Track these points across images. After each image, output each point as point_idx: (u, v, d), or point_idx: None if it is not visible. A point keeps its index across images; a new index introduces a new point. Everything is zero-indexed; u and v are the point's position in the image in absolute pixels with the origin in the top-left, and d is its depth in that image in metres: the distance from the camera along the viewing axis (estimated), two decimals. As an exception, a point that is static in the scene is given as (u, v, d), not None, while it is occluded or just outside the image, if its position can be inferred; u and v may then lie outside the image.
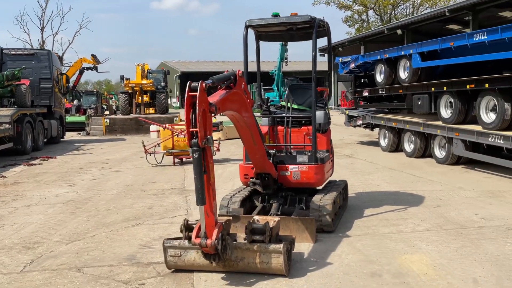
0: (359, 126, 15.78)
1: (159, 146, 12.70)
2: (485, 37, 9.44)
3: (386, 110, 15.28)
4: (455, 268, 4.58)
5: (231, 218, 4.99)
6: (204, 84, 4.05)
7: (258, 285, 4.34)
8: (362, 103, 16.35)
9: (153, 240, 5.86)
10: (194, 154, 4.05)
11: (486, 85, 9.43)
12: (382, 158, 12.65)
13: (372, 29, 45.99)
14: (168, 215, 7.09)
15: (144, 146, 12.43)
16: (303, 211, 6.06)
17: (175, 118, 23.83)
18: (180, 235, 5.34)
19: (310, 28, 6.61)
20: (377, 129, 15.54)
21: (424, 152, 12.21)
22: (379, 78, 13.95)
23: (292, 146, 6.51)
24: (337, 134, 19.83)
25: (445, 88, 10.80)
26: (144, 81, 25.40)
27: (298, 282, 4.37)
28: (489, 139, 9.40)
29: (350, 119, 16.17)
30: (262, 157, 5.74)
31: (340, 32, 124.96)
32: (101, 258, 5.24)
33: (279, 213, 5.98)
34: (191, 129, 4.06)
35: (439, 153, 11.43)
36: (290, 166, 6.18)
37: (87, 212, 7.43)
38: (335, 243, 5.47)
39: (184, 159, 12.91)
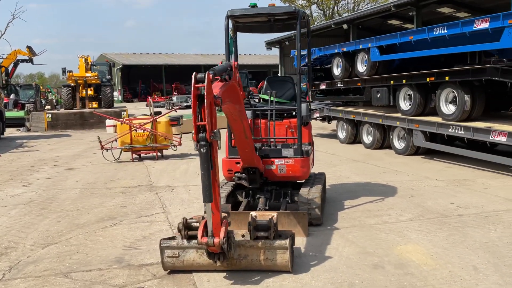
0: (315, 119, 15.92)
1: (116, 141, 12.19)
2: (445, 31, 9.77)
3: (341, 103, 15.52)
4: (451, 257, 4.69)
5: (226, 214, 4.82)
6: (211, 75, 3.86)
7: (264, 283, 4.23)
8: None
9: (137, 241, 5.58)
10: (202, 149, 3.85)
11: (447, 78, 9.77)
12: (342, 150, 12.84)
13: (317, 23, 46.68)
14: (144, 214, 6.79)
15: (100, 141, 11.90)
16: (292, 205, 5.99)
17: (122, 113, 23.04)
18: (170, 234, 5.14)
19: (290, 20, 6.54)
20: (333, 122, 15.80)
21: (383, 143, 12.52)
22: (336, 71, 14.15)
23: (276, 140, 6.41)
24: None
25: (404, 81, 11.10)
26: (89, 74, 24.35)
27: (305, 278, 4.29)
28: (450, 130, 9.77)
29: (307, 112, 16.27)
30: (251, 151, 5.60)
31: None
32: (87, 261, 4.92)
33: (267, 207, 5.88)
34: (198, 123, 3.85)
35: (398, 144, 11.76)
36: (276, 160, 6.08)
37: (54, 213, 6.98)
38: (328, 236, 5.45)
39: (143, 155, 12.49)
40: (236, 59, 7.10)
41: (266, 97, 7.01)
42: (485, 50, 9.45)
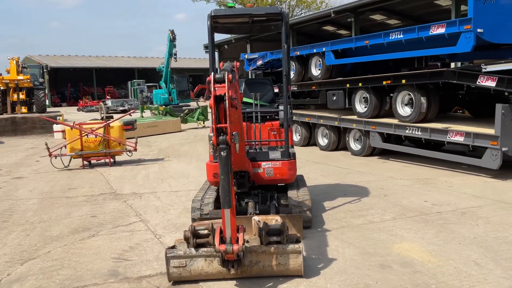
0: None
1: (65, 148, 11.51)
2: (402, 36, 10.16)
3: (292, 106, 15.67)
4: (450, 253, 4.83)
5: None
6: (230, 76, 3.72)
7: (279, 288, 4.12)
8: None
9: (124, 252, 5.26)
10: (222, 153, 3.70)
11: (403, 81, 10.15)
12: (299, 152, 12.84)
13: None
14: (121, 223, 6.43)
15: (48, 148, 11.18)
16: (285, 208, 5.90)
17: (58, 117, 21.85)
18: (157, 243, 4.93)
19: (270, 21, 6.49)
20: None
21: (338, 145, 12.78)
22: (290, 74, 14.25)
23: (261, 142, 6.33)
24: (240, 130, 19.91)
25: (360, 84, 11.40)
26: (21, 77, 22.87)
27: (318, 281, 4.24)
28: (407, 131, 10.16)
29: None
30: (244, 154, 5.47)
31: None
32: (78, 276, 4.56)
33: (257, 211, 5.76)
34: (218, 125, 3.68)
35: (354, 145, 12.05)
36: (263, 163, 5.99)
37: (19, 226, 6.44)
38: (322, 238, 5.44)
39: (94, 161, 11.89)
40: (213, 61, 6.96)
41: (247, 100, 6.91)
42: (440, 54, 9.90)
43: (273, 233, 4.26)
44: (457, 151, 10.05)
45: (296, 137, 14.39)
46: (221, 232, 3.96)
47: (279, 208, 5.93)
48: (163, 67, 30.75)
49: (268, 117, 6.55)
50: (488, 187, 7.88)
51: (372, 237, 5.43)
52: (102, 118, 12.20)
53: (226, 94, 3.66)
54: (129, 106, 36.57)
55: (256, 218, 4.75)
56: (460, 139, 8.99)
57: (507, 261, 4.56)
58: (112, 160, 11.81)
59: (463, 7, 20.07)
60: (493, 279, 4.16)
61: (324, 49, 12.54)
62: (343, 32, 34.17)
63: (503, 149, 8.22)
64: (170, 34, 28.29)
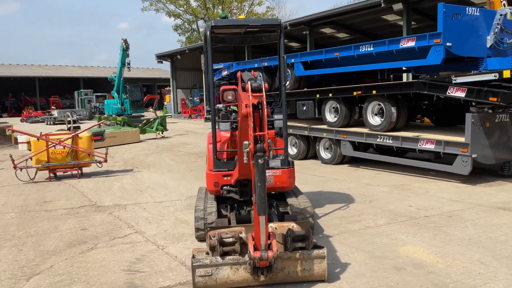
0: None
1: (30, 159, 11.04)
2: (372, 48, 10.59)
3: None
4: (453, 254, 5.11)
5: (243, 228, 4.70)
6: (266, 85, 3.79)
7: (307, 293, 4.20)
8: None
9: (133, 264, 5.16)
10: (260, 160, 3.76)
11: (374, 92, 10.57)
12: (269, 161, 13.09)
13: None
14: (117, 236, 6.27)
15: (12, 160, 10.68)
16: (289, 216, 5.97)
17: (6, 129, 20.82)
18: (163, 254, 4.89)
19: (266, 32, 6.62)
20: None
21: (307, 154, 13.05)
22: (256, 85, 14.43)
23: None
24: (203, 141, 19.85)
25: (331, 95, 11.74)
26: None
27: (342, 285, 4.36)
28: (378, 140, 10.57)
29: (224, 125, 16.28)
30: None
31: (173, 39, 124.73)
32: (95, 291, 4.43)
33: (261, 219, 5.81)
34: (256, 133, 3.74)
35: (324, 154, 12.36)
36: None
37: (7, 241, 6.14)
38: (327, 244, 5.57)
39: (61, 173, 11.46)
40: (207, 71, 7.00)
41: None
42: (411, 66, 10.40)
43: (298, 239, 4.34)
44: (422, 158, 10.58)
45: (264, 147, 14.51)
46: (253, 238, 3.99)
47: (283, 216, 6.02)
48: (115, 76, 30.10)
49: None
50: (462, 192, 8.34)
51: (375, 242, 5.63)
52: (69, 129, 11.80)
53: (263, 103, 3.73)
54: (77, 116, 35.36)
55: (272, 225, 4.83)
56: (431, 146, 9.47)
57: (508, 259, 4.89)
58: (79, 172, 11.44)
59: (413, 23, 21.13)
60: (502, 276, 4.45)
61: (293, 60, 12.82)
62: (294, 44, 34.91)
63: (473, 155, 8.74)
64: (123, 43, 27.79)
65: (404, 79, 16.18)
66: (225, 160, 6.18)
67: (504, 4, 12.58)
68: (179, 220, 6.99)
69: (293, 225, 4.74)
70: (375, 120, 10.84)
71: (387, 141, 10.38)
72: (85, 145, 11.37)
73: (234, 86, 5.12)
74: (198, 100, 36.61)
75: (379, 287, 4.30)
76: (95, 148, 11.97)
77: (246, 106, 3.92)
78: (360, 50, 10.89)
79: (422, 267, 4.74)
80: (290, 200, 6.10)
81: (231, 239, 4.26)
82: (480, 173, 9.66)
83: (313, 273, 4.34)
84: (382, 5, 19.55)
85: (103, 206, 8.13)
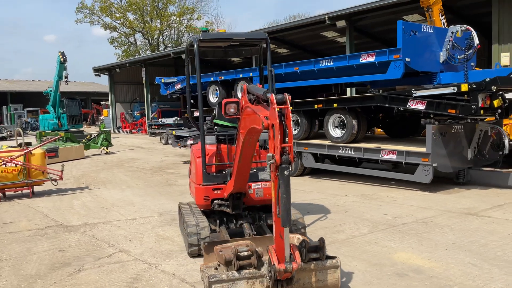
0: (189, 146, 15.81)
1: (-23, 178, 10.29)
2: (332, 63, 10.95)
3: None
4: (445, 258, 5.36)
5: (250, 242, 4.67)
6: (290, 97, 3.83)
7: (324, 303, 4.23)
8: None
9: (131, 284, 4.96)
10: (285, 172, 3.76)
11: (335, 105, 10.90)
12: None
13: (143, 52, 46.16)
14: (101, 256, 5.99)
15: (-42, 180, 9.91)
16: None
17: None
18: (159, 271, 4.78)
19: (250, 46, 6.69)
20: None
21: (266, 167, 13.12)
22: (212, 99, 14.42)
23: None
24: (152, 156, 19.47)
25: (291, 108, 11.92)
26: None
27: (354, 293, 4.44)
28: (340, 151, 10.89)
29: (178, 139, 16.07)
30: (247, 176, 5.52)
31: (106, 52, 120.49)
32: (103, 314, 4.19)
33: (254, 232, 5.80)
34: (283, 145, 3.75)
35: (285, 167, 12.48)
36: (253, 184, 6.05)
37: (-21, 267, 5.66)
38: (323, 254, 5.63)
39: (12, 192, 10.76)
40: (188, 84, 6.95)
41: (221, 122, 6.94)
42: (372, 80, 10.84)
43: (312, 250, 4.37)
44: (380, 169, 11.01)
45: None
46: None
47: (272, 228, 6.01)
48: (51, 90, 28.77)
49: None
50: (427, 200, 8.76)
51: (367, 250, 5.77)
52: (20, 145, 11.13)
53: (289, 114, 3.75)
54: (8, 132, 33.43)
55: (278, 237, 4.81)
56: (392, 157, 9.88)
57: (496, 261, 5.20)
58: (32, 190, 10.80)
59: (356, 41, 22.06)
60: (498, 277, 4.73)
61: (251, 74, 12.94)
62: (237, 59, 35.25)
63: (434, 164, 9.22)
64: (60, 56, 26.71)
65: (348, 94, 16.86)
66: (214, 173, 6.10)
67: (443, 22, 13.47)
68: (161, 237, 6.79)
69: (298, 237, 4.76)
70: (336, 132, 11.15)
71: (349, 152, 10.70)
72: (38, 162, 10.76)
73: (236, 99, 5.10)
74: (138, 114, 35.81)
75: (390, 293, 4.42)
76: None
77: (266, 118, 3.92)
78: (320, 64, 11.22)
79: (422, 272, 4.93)
80: (280, 212, 6.11)
81: (246, 253, 4.22)
82: (438, 181, 10.18)
83: (326, 283, 4.38)
84: (327, 22, 20.22)
85: (71, 225, 7.73)
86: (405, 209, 8.02)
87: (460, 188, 9.72)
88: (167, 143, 25.42)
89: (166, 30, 45.45)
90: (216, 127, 6.88)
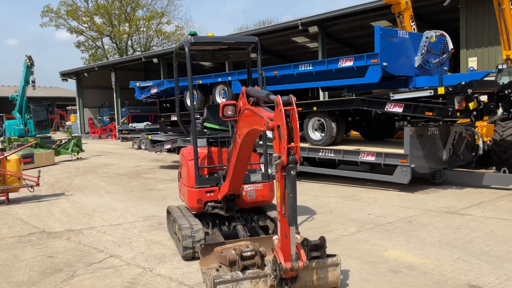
0: (166, 150, 15.72)
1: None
2: (311, 68, 11.15)
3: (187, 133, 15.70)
4: (435, 255, 5.54)
5: (249, 242, 4.72)
6: (295, 98, 3.92)
7: (326, 301, 4.32)
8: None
9: (128, 288, 4.91)
10: (292, 172, 3.83)
11: (315, 108, 11.08)
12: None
13: (111, 56, 45.45)
14: (92, 261, 5.90)
15: None
16: (276, 228, 6.03)
17: None
18: (155, 275, 4.79)
19: (238, 50, 6.77)
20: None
21: (245, 170, 13.19)
22: (190, 102, 14.36)
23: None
24: (125, 161, 19.24)
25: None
26: None
27: (354, 290, 4.55)
28: (320, 154, 11.07)
29: (154, 144, 15.95)
30: (243, 177, 5.58)
31: (71, 56, 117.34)
32: (106, 318, 4.16)
33: (248, 234, 5.86)
34: (289, 145, 3.83)
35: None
36: (245, 186, 6.11)
37: (-34, 276, 5.50)
38: (316, 254, 5.73)
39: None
40: (177, 88, 6.97)
41: (210, 125, 6.96)
42: (351, 84, 11.07)
43: (313, 248, 4.45)
44: (359, 170, 11.25)
45: (198, 165, 14.43)
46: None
47: (264, 229, 6.10)
48: (17, 95, 27.99)
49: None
50: (407, 200, 9.01)
51: (358, 249, 5.91)
52: (-6, 151, 10.81)
53: (295, 115, 3.84)
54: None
55: (275, 237, 4.88)
56: (371, 158, 10.12)
57: (483, 256, 5.42)
58: (7, 197, 10.51)
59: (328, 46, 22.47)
60: (488, 271, 4.93)
61: (230, 78, 13.00)
62: (204, 63, 35.25)
63: (412, 165, 9.49)
64: (27, 60, 26.05)
65: (321, 98, 17.15)
66: (206, 176, 6.12)
67: (414, 28, 13.90)
68: (151, 241, 6.75)
69: (297, 236, 4.84)
70: (316, 135, 11.33)
71: (329, 154, 10.89)
72: (13, 168, 10.49)
73: (234, 102, 5.15)
74: (108, 119, 35.24)
75: (389, 289, 4.55)
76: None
77: (271, 120, 3.99)
78: (300, 69, 11.40)
79: (415, 269, 5.09)
80: (273, 213, 6.19)
81: (250, 253, 4.26)
82: (414, 182, 10.46)
83: (327, 281, 4.48)
84: (300, 28, 20.51)
85: (55, 232, 7.58)
86: (387, 208, 8.23)
87: (436, 188, 10.03)
88: (139, 148, 25.18)
89: (135, 34, 44.99)
90: (205, 130, 6.90)
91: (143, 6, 44.79)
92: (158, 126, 30.20)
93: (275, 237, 4.86)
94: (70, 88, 48.15)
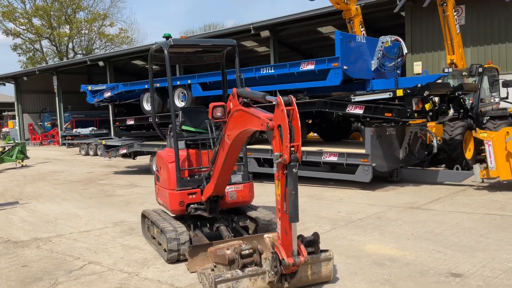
0: (121, 155, 15.38)
1: None
2: (273, 71, 11.35)
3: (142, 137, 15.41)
4: (411, 247, 5.84)
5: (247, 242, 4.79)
6: (295, 98, 4.04)
7: (322, 294, 4.47)
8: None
9: (119, 293, 4.83)
10: (294, 170, 3.95)
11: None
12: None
13: (50, 59, 43.71)
14: (72, 268, 5.73)
15: None
16: (261, 227, 6.11)
17: None
18: (142, 279, 4.81)
19: (213, 52, 6.83)
20: (138, 157, 15.71)
21: (205, 174, 13.18)
22: (147, 106, 14.18)
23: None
24: (75, 168, 18.64)
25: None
26: None
27: (345, 283, 4.74)
28: (283, 156, 11.24)
29: (109, 149, 15.55)
30: (228, 178, 5.63)
31: (12, 60, 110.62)
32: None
33: (232, 234, 5.91)
34: (292, 144, 3.94)
35: (225, 173, 12.63)
36: (227, 187, 6.16)
37: None
38: (299, 251, 5.88)
39: None
40: (152, 89, 6.93)
41: (188, 128, 6.95)
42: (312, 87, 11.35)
43: (308, 244, 4.58)
44: (321, 170, 11.56)
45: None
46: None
47: (245, 229, 6.18)
48: None
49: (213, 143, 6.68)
50: (370, 197, 9.38)
51: (338, 245, 6.12)
52: None
53: (296, 114, 3.96)
54: None
55: (266, 235, 4.98)
56: (334, 158, 10.44)
57: (456, 247, 5.78)
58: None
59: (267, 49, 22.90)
60: (464, 260, 5.28)
61: (189, 81, 12.96)
62: (155, 66, 34.72)
63: (373, 164, 9.89)
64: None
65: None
66: (187, 178, 6.12)
67: (363, 33, 14.48)
68: (128, 246, 6.64)
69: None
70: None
71: (292, 156, 11.09)
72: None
73: (222, 103, 5.20)
74: (49, 125, 33.86)
75: (378, 281, 4.76)
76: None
77: (270, 120, 4.10)
78: (261, 72, 11.56)
79: (397, 261, 5.35)
80: (254, 213, 6.29)
81: (248, 251, 4.33)
82: (373, 180, 10.86)
83: (321, 275, 4.63)
84: (252, 32, 20.75)
85: (21, 241, 7.27)
86: (354, 206, 8.53)
87: (395, 186, 10.50)
88: (87, 154, 24.43)
89: (76, 37, 43.51)
90: (183, 133, 6.88)
91: (85, 8, 43.51)
92: (105, 131, 29.54)
93: (266, 235, 4.97)
94: (7, 93, 45.75)
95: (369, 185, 10.41)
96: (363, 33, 14.36)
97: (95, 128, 29.31)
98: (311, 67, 10.74)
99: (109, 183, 13.53)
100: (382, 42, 11.04)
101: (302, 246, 4.22)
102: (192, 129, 6.86)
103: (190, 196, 5.97)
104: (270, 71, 11.42)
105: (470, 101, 12.31)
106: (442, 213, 7.66)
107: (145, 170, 16.06)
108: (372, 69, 11.14)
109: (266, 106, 5.20)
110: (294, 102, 4.04)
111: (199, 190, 5.99)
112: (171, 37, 6.48)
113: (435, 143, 10.65)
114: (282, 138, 3.98)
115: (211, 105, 5.12)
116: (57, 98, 31.70)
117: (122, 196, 11.06)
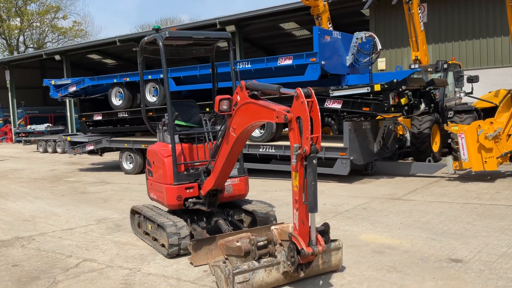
0: (87, 152, 14.94)
1: None
2: (250, 66, 11.37)
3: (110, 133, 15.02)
4: (405, 236, 6.04)
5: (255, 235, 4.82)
6: (313, 90, 4.09)
7: (339, 285, 4.56)
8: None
9: (126, 289, 4.74)
10: (314, 161, 4.01)
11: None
12: (135, 180, 12.71)
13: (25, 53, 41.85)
14: (68, 266, 5.56)
15: None
16: (260, 219, 6.12)
17: None
18: (145, 274, 4.79)
19: (205, 45, 6.79)
20: (105, 154, 15.33)
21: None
22: (116, 101, 13.85)
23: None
24: (36, 165, 18.00)
25: (208, 109, 12.05)
26: None
27: (353, 271, 4.86)
28: (261, 150, 11.34)
29: (74, 145, 15.07)
30: (230, 172, 5.62)
31: None
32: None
33: (231, 227, 5.90)
34: (312, 135, 4.00)
35: (200, 168, 12.57)
36: (223, 181, 6.14)
37: None
38: (298, 243, 5.95)
39: None
40: (142, 83, 6.83)
41: (179, 122, 6.86)
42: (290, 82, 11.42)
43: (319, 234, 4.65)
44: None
45: (127, 166, 14.01)
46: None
47: (252, 221, 6.21)
48: None
49: (208, 137, 6.64)
50: (350, 189, 9.60)
51: (334, 235, 6.10)
52: None
53: (316, 106, 4.01)
54: None
55: (273, 227, 5.03)
56: (313, 153, 10.56)
57: (447, 234, 6.02)
58: None
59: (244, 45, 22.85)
60: (459, 246, 5.51)
61: (161, 75, 12.73)
62: (108, 61, 33.97)
63: (351, 158, 10.12)
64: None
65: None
66: (184, 172, 6.06)
67: (331, 27, 14.74)
68: (119, 243, 6.50)
69: (291, 225, 5.01)
70: (256, 132, 11.55)
71: (270, 150, 11.19)
72: None
73: (228, 96, 5.18)
74: (1, 121, 32.45)
75: (384, 268, 4.91)
76: None
77: (287, 112, 4.14)
78: (238, 66, 11.51)
79: (396, 248, 5.53)
80: (250, 207, 6.30)
81: (262, 243, 4.36)
82: (349, 173, 11.14)
83: (331, 264, 4.72)
84: (218, 26, 20.67)
85: (2, 240, 6.97)
86: (338, 198, 8.71)
87: (370, 179, 10.78)
88: (46, 151, 23.62)
89: (27, 30, 41.74)
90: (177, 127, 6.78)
91: (36, 0, 41.74)
92: (62, 128, 28.56)
93: (273, 227, 5.03)
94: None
95: (346, 178, 10.64)
96: (331, 29, 14.61)
97: (50, 125, 28.37)
98: (289, 62, 10.82)
99: (78, 180, 13.16)
100: (357, 38, 11.26)
101: (319, 236, 4.29)
102: (183, 123, 6.79)
103: (188, 191, 5.92)
104: (247, 66, 11.42)
105: (437, 96, 12.79)
106: (423, 203, 7.95)
107: (112, 167, 15.74)
108: (347, 64, 11.34)
109: (274, 99, 5.22)
110: (313, 94, 4.08)
111: (197, 184, 5.95)
112: (161, 30, 6.38)
113: (408, 136, 11.01)
114: (302, 130, 4.02)
115: (217, 97, 5.10)
116: (9, 94, 30.40)
117: (96, 193, 10.79)
